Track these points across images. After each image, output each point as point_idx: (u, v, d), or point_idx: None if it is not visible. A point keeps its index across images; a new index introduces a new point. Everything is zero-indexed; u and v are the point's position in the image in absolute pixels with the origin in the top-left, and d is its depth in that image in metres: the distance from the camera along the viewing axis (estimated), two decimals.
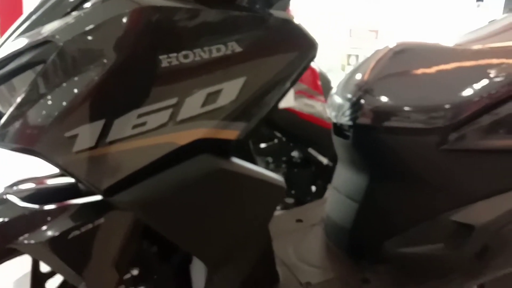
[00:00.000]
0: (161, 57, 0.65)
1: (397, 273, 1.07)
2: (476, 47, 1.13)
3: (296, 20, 0.77)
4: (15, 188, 0.88)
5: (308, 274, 1.09)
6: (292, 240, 1.25)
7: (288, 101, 1.83)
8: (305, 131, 2.01)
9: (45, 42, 0.66)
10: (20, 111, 0.66)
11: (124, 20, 0.64)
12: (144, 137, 0.67)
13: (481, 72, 1.04)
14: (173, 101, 0.67)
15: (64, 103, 0.64)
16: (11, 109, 0.66)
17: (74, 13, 0.70)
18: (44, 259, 0.81)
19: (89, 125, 0.65)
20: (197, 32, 0.67)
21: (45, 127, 0.64)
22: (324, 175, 2.01)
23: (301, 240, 1.25)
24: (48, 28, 0.69)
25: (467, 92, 1.02)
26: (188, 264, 1.00)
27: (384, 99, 1.05)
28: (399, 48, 1.13)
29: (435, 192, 1.06)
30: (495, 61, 1.06)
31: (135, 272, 0.91)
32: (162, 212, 0.74)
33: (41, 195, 0.87)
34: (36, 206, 0.79)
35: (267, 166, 2.07)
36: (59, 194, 0.87)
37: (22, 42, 0.70)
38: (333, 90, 1.19)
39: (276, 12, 0.76)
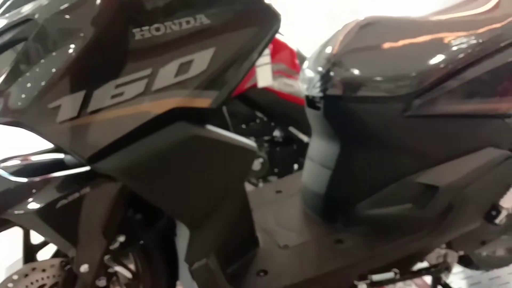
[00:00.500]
0: (134, 30, 0.70)
1: (368, 233, 1.14)
2: (438, 18, 1.19)
3: None
4: (4, 164, 0.93)
5: (286, 237, 1.16)
6: (271, 209, 1.32)
7: (267, 81, 1.88)
8: (285, 110, 2.06)
9: (25, 21, 0.71)
10: (5, 87, 0.71)
11: None
12: (123, 106, 0.73)
13: (441, 43, 1.10)
14: (147, 71, 0.72)
15: (46, 77, 0.69)
16: None
17: None
18: (34, 228, 0.86)
19: (71, 96, 0.70)
20: (166, 6, 0.72)
21: (29, 100, 0.69)
22: (305, 153, 2.08)
23: (280, 208, 1.32)
24: (27, 8, 0.73)
25: (428, 62, 1.08)
26: (172, 230, 1.07)
27: (352, 70, 1.11)
28: (366, 22, 1.18)
29: (402, 156, 1.13)
30: (454, 31, 1.13)
31: (121, 238, 0.97)
32: (142, 177, 0.79)
33: (28, 169, 0.92)
34: (25, 179, 0.84)
35: None
36: (46, 168, 0.92)
37: (2, 22, 0.75)
38: (305, 64, 1.25)
39: None
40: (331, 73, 1.12)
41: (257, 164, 2.09)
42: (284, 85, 2.04)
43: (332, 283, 1.07)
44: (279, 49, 2.00)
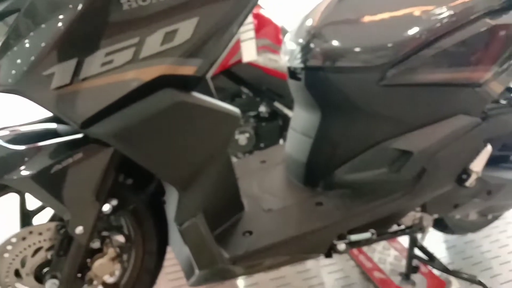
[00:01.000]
0: (121, 1, 0.74)
1: (347, 196, 1.22)
2: None
3: None
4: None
5: (270, 202, 1.23)
6: (256, 178, 1.38)
7: (252, 55, 1.92)
8: (270, 86, 2.11)
9: None
10: (1, 56, 0.75)
11: None
12: (113, 73, 0.78)
13: (415, 15, 1.16)
14: (135, 40, 0.77)
15: (40, 45, 0.73)
16: None
17: None
18: (31, 192, 0.91)
19: (63, 64, 0.74)
20: None
21: (25, 68, 0.73)
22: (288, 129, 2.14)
23: (264, 176, 1.39)
24: None
25: (403, 33, 1.14)
26: (162, 195, 1.13)
27: (331, 42, 1.16)
28: None
29: (378, 123, 1.20)
30: (427, 4, 1.18)
31: (114, 202, 1.02)
32: (132, 140, 0.85)
33: (22, 138, 0.96)
34: (21, 147, 0.89)
35: None
36: (39, 137, 0.96)
37: None
38: (286, 36, 1.30)
39: None
40: (311, 45, 1.18)
41: (243, 139, 2.14)
42: (268, 60, 2.08)
43: (313, 242, 1.14)
44: (264, 25, 2.03)
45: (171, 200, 1.04)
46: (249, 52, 1.85)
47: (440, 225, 1.69)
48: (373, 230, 1.23)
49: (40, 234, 0.98)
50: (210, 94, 0.97)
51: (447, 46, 1.16)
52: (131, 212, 1.08)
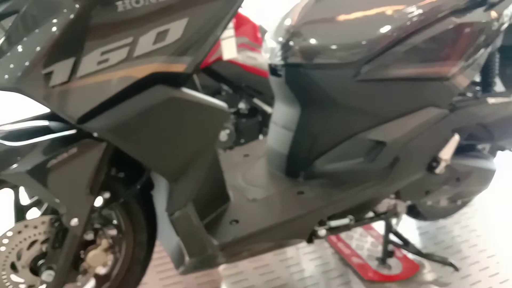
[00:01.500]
0: (117, 3, 0.80)
1: (326, 185, 1.30)
2: None
3: None
4: None
5: (254, 192, 1.30)
6: (240, 170, 1.45)
7: (232, 53, 1.98)
8: (249, 82, 2.15)
9: None
10: (1, 55, 0.79)
11: None
12: (108, 71, 0.83)
13: (387, 14, 1.24)
14: (129, 40, 0.82)
15: (39, 45, 0.77)
16: None
17: None
18: (27, 186, 0.95)
19: (62, 63, 0.79)
20: None
21: (24, 67, 0.78)
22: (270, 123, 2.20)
23: (248, 169, 1.45)
24: None
25: (376, 31, 1.22)
26: (150, 189, 1.18)
27: (309, 40, 1.24)
28: None
29: (354, 116, 1.28)
30: (398, 4, 1.26)
31: (106, 195, 1.07)
32: (126, 134, 0.90)
33: (16, 135, 1.00)
34: (16, 143, 0.93)
35: None
36: (32, 134, 0.99)
37: None
38: (267, 35, 1.36)
39: None
40: (291, 43, 1.25)
41: (223, 135, 2.18)
42: (247, 57, 2.13)
43: (295, 229, 1.21)
44: (242, 23, 2.09)
45: (161, 193, 1.09)
46: (229, 50, 1.91)
47: (413, 212, 1.79)
48: (351, 216, 1.32)
49: (35, 227, 1.02)
50: (196, 90, 1.03)
51: (417, 43, 1.25)
52: (122, 205, 1.12)
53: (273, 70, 1.34)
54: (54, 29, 0.77)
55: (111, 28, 0.81)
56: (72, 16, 0.78)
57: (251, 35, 2.13)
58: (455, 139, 1.37)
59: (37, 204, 1.11)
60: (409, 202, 1.49)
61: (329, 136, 1.30)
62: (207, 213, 1.16)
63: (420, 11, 1.25)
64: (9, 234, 0.99)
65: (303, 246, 1.80)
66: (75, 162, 0.94)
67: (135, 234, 1.19)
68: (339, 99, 1.26)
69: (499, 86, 1.74)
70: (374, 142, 1.28)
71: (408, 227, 1.98)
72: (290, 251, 1.76)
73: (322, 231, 1.26)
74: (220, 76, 2.13)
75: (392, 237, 1.69)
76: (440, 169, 1.37)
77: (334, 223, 1.28)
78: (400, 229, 1.92)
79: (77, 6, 0.78)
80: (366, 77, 1.23)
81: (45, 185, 0.93)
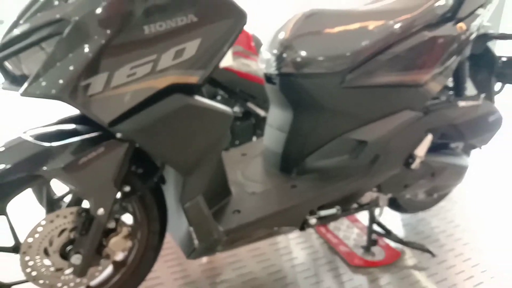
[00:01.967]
0: (144, 27, 0.96)
1: (316, 179, 1.47)
2: (367, 9, 1.50)
3: None
4: (28, 133, 1.15)
5: (253, 186, 1.46)
6: (240, 167, 1.61)
7: (228, 61, 2.14)
8: (243, 88, 2.29)
9: (59, 20, 0.95)
10: (47, 69, 0.94)
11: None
12: (135, 83, 0.99)
13: (368, 29, 1.42)
14: (153, 56, 0.99)
15: (80, 61, 0.93)
16: (39, 69, 0.94)
17: (71, 1, 0.98)
18: (63, 181, 1.10)
19: (98, 76, 0.95)
20: (166, 7, 0.98)
21: (68, 80, 0.93)
22: (263, 126, 2.33)
23: (246, 166, 1.62)
24: (57, 11, 0.97)
25: (358, 44, 1.40)
26: (162, 184, 1.34)
27: (299, 52, 1.40)
28: (311, 12, 1.47)
29: (340, 118, 1.45)
30: (378, 19, 1.44)
31: (127, 188, 1.23)
32: (149, 135, 1.06)
33: (49, 136, 1.15)
34: (52, 144, 1.08)
35: None
36: (63, 135, 1.15)
37: (36, 20, 0.98)
38: (262, 47, 1.53)
39: None
40: (284, 55, 1.41)
41: None
42: (242, 64, 2.28)
43: (289, 217, 1.38)
44: None
45: (173, 187, 1.26)
46: (225, 58, 2.07)
47: (394, 205, 1.97)
48: (338, 207, 1.49)
49: (65, 217, 1.16)
50: (203, 96, 1.19)
51: (394, 54, 1.43)
52: (139, 197, 1.28)
53: (269, 78, 1.51)
54: (92, 48, 0.93)
55: (139, 46, 0.97)
56: (107, 37, 0.94)
57: (245, 44, 2.28)
58: (429, 138, 1.55)
59: (65, 196, 1.26)
60: (390, 195, 1.66)
61: (318, 137, 1.47)
62: (213, 204, 1.32)
63: (397, 26, 1.43)
64: (43, 223, 1.14)
65: (295, 236, 1.97)
66: (102, 159, 1.09)
67: (149, 223, 1.33)
68: (326, 104, 1.43)
69: (471, 90, 1.93)
70: (357, 141, 1.46)
71: (391, 219, 2.15)
72: (284, 241, 1.93)
73: (312, 220, 1.43)
74: (217, 82, 2.27)
75: (375, 227, 1.87)
76: (415, 165, 1.56)
77: (323, 212, 1.45)
78: (384, 220, 2.11)
79: (111, 30, 0.94)
80: (350, 84, 1.40)
81: (77, 179, 1.08)
